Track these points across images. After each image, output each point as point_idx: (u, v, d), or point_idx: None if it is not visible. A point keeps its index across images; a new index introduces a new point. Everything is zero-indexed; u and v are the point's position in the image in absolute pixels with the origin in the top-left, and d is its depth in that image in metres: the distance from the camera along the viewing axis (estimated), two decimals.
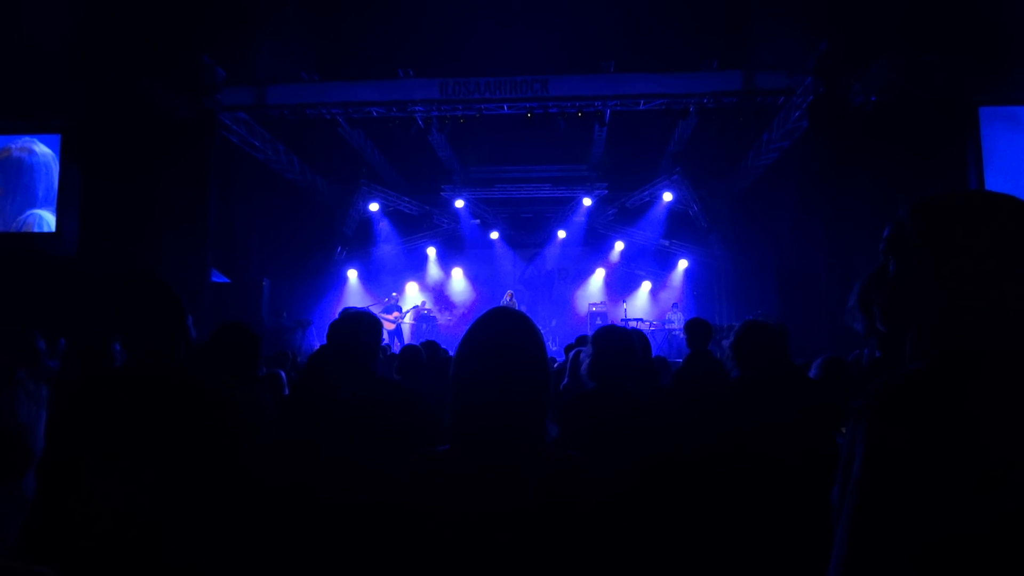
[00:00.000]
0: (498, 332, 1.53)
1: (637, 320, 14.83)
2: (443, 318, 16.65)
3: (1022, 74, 8.49)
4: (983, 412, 0.94)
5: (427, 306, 16.34)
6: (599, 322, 15.41)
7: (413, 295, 17.02)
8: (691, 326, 4.73)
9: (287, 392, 3.92)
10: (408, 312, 15.55)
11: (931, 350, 1.05)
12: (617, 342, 2.70)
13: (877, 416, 0.99)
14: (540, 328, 1.60)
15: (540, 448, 1.47)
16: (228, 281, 12.97)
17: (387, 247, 16.95)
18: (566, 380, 4.09)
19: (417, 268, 17.63)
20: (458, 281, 17.82)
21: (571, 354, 4.17)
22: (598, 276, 17.35)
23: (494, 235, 17.24)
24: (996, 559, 0.89)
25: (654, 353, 5.37)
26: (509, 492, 1.39)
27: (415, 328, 15.52)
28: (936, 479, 0.92)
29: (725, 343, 3.13)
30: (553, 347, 12.97)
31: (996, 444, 0.92)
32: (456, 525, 1.38)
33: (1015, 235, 1.03)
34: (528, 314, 1.60)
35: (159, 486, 1.76)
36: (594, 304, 16.13)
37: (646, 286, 17.16)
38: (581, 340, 4.99)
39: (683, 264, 16.49)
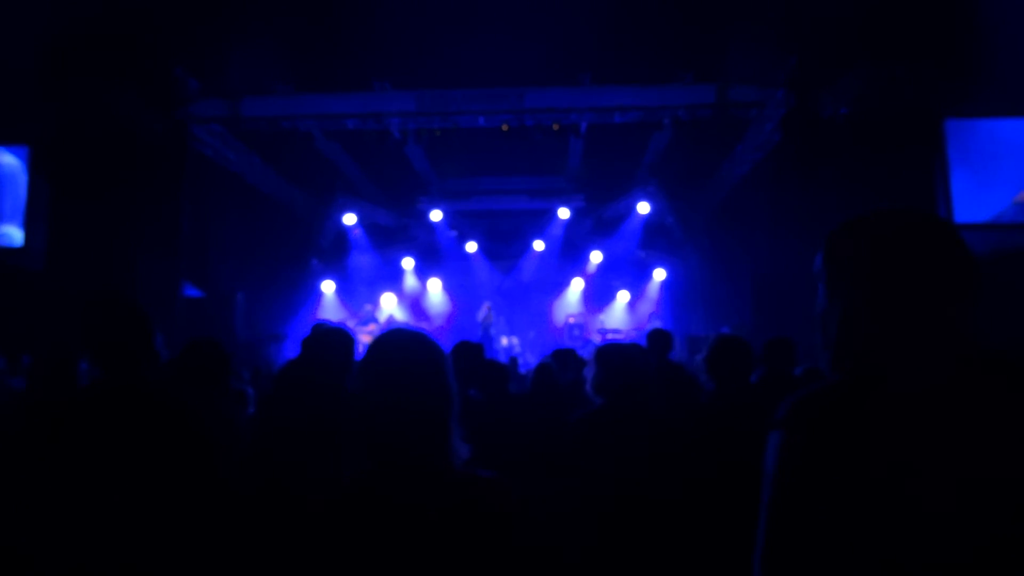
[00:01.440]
0: (393, 354, 1.47)
1: (615, 331, 14.89)
2: None
3: (986, 86, 8.70)
4: (875, 426, 1.01)
5: (400, 318, 16.23)
6: (577, 333, 15.48)
7: (389, 307, 16.92)
8: (651, 336, 4.82)
9: (251, 410, 3.83)
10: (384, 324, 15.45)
11: (840, 368, 1.14)
12: (623, 359, 2.75)
13: (785, 427, 1.07)
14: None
15: (444, 469, 1.42)
16: (201, 295, 12.78)
17: (363, 259, 16.86)
18: (528, 388, 4.15)
19: (394, 280, 17.53)
20: (435, 293, 17.76)
21: (535, 364, 4.27)
22: (575, 287, 17.39)
23: (471, 247, 17.22)
24: (892, 564, 0.96)
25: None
26: (409, 517, 1.34)
27: None
28: (833, 486, 1.00)
29: (699, 357, 3.19)
30: (531, 358, 12.98)
31: (888, 457, 0.98)
32: (358, 552, 1.33)
33: (902, 259, 1.10)
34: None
35: (127, 509, 1.72)
36: (571, 315, 16.15)
37: (623, 297, 17.22)
38: (556, 354, 5.01)
39: (660, 274, 16.59)
